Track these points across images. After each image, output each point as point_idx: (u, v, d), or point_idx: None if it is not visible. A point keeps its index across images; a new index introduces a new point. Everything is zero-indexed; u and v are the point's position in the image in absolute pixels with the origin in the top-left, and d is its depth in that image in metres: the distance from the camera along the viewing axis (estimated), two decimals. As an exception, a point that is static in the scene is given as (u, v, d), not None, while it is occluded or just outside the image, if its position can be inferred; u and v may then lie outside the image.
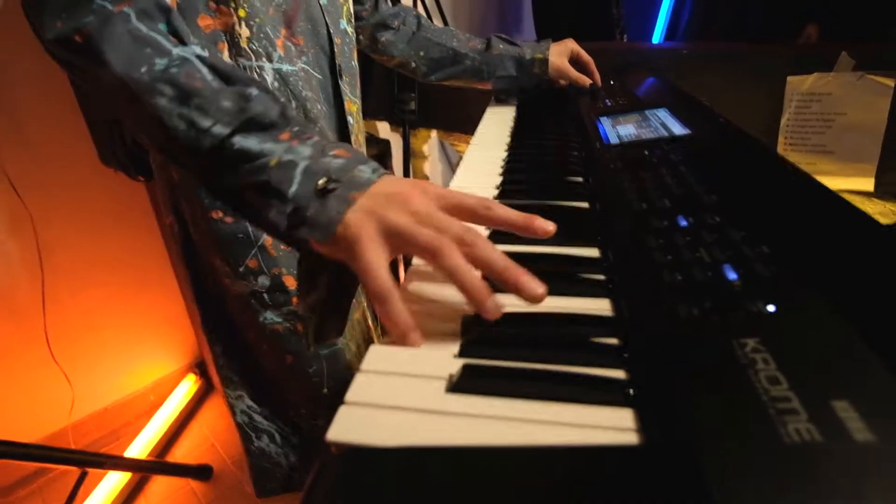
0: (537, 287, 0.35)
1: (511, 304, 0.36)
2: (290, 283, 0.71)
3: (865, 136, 1.05)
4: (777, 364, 0.26)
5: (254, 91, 0.44)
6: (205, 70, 0.43)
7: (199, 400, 1.71)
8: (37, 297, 1.35)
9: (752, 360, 0.26)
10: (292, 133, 0.43)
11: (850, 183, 1.08)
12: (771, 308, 0.30)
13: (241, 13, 0.59)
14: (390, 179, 0.41)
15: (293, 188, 0.40)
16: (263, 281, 0.69)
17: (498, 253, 0.37)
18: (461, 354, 0.33)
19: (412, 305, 0.38)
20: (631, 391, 0.29)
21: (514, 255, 0.45)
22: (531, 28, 2.46)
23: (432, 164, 1.83)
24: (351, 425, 0.28)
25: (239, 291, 0.70)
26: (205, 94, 0.42)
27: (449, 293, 0.40)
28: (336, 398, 0.75)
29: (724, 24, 2.60)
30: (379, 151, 1.59)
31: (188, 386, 1.69)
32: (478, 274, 0.36)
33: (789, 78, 1.10)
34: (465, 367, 0.31)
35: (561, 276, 0.41)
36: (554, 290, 0.39)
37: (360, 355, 0.82)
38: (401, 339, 0.35)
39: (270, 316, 0.71)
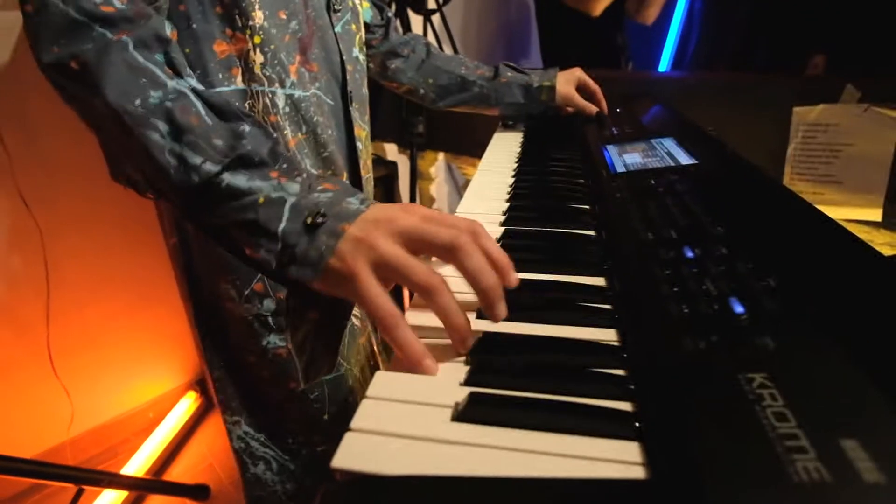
0: (502, 312, 0.37)
1: (516, 329, 0.36)
2: None
3: (872, 166, 1.05)
4: (785, 400, 0.26)
5: (246, 128, 0.44)
6: (199, 105, 0.44)
7: (199, 418, 1.70)
8: (41, 310, 1.36)
9: (759, 396, 0.26)
10: (281, 171, 0.43)
11: (858, 213, 1.09)
12: (778, 343, 0.30)
13: (257, 40, 0.60)
14: (378, 206, 0.41)
15: (282, 225, 0.40)
16: (269, 305, 0.69)
17: (487, 266, 0.37)
18: (467, 383, 0.33)
19: (418, 333, 0.38)
20: (638, 424, 0.29)
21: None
22: (538, 56, 2.51)
23: (438, 187, 1.84)
24: (356, 452, 0.28)
25: (242, 315, 0.70)
26: (197, 131, 0.42)
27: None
28: (337, 424, 0.75)
29: (731, 55, 2.63)
30: (387, 173, 1.61)
31: (188, 404, 1.68)
32: (464, 315, 0.36)
33: (796, 108, 1.11)
34: (471, 396, 0.31)
35: (567, 305, 0.41)
36: (561, 319, 0.39)
37: (365, 380, 0.81)
38: (414, 367, 0.35)
39: (273, 340, 0.71)
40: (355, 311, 0.81)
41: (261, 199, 0.41)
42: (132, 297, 1.54)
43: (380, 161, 1.67)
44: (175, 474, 1.52)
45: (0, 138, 1.21)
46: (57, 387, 1.40)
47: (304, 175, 0.43)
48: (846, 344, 0.29)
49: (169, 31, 0.48)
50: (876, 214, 1.08)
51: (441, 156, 1.72)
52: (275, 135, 0.45)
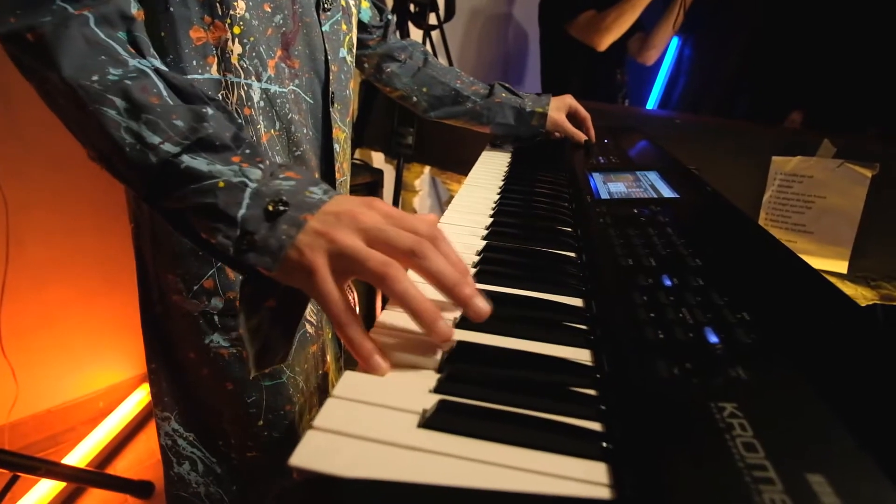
0: (483, 306, 0.36)
1: (490, 341, 0.36)
2: None
3: (842, 220, 1.09)
4: (754, 431, 0.26)
5: (209, 111, 0.43)
6: (161, 85, 0.42)
7: (151, 412, 1.64)
8: (-3, 285, 1.30)
9: (729, 425, 0.26)
10: (243, 156, 0.42)
11: (826, 264, 1.12)
12: (750, 375, 0.30)
13: (236, 30, 0.59)
14: (341, 198, 0.40)
15: (242, 211, 0.39)
16: (216, 303, 0.67)
17: (450, 266, 0.37)
18: (437, 390, 0.33)
19: (388, 338, 0.37)
20: (606, 445, 0.28)
21: (494, 296, 0.45)
22: (533, 80, 2.55)
23: (422, 199, 1.84)
24: (317, 451, 0.27)
25: (188, 310, 0.67)
26: (157, 110, 0.41)
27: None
28: (271, 432, 0.72)
29: (714, 101, 2.73)
30: (372, 180, 1.60)
31: (141, 396, 1.62)
32: (426, 298, 0.36)
33: (774, 158, 1.15)
34: (440, 404, 0.30)
35: (543, 322, 0.41)
36: (536, 335, 0.39)
37: (309, 390, 0.79)
38: (364, 365, 0.35)
39: (217, 339, 0.68)
40: (311, 318, 0.79)
41: (221, 184, 0.40)
42: (94, 281, 1.49)
43: (366, 168, 1.66)
44: (120, 468, 1.45)
45: (-24, 105, 1.17)
46: (3, 365, 1.34)
47: (267, 162, 0.42)
48: (815, 380, 0.29)
49: (135, 10, 0.47)
50: (842, 267, 1.12)
51: (427, 169, 1.72)
52: (239, 120, 0.45)
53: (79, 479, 1.31)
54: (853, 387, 0.30)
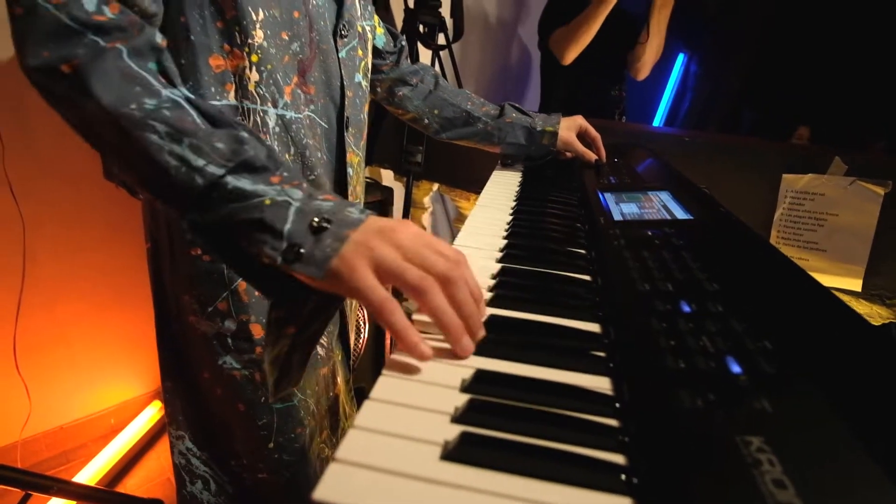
0: (468, 348, 0.39)
1: (509, 368, 0.36)
2: (257, 331, 0.69)
3: (856, 238, 1.08)
4: (783, 466, 0.25)
5: (245, 134, 0.45)
6: (194, 113, 0.44)
7: (162, 428, 1.64)
8: (12, 303, 1.31)
9: (757, 460, 0.26)
10: (283, 177, 0.44)
11: (840, 282, 1.11)
12: (776, 406, 0.30)
13: (254, 58, 0.60)
14: (379, 218, 0.43)
15: (288, 225, 0.41)
16: (230, 325, 0.68)
17: (471, 299, 0.41)
18: (457, 420, 0.33)
19: (407, 372, 0.38)
20: (629, 478, 0.28)
21: (512, 321, 0.45)
22: (532, 97, 2.58)
23: (430, 217, 1.85)
24: (340, 486, 0.27)
25: (203, 331, 0.68)
26: (199, 135, 0.43)
27: (446, 358, 0.39)
28: (282, 454, 0.72)
29: (721, 118, 2.74)
30: (382, 198, 1.61)
31: (152, 413, 1.62)
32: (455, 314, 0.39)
33: (785, 175, 1.15)
34: (462, 436, 0.30)
35: (562, 349, 0.41)
36: (555, 362, 0.39)
37: (320, 413, 0.79)
38: (409, 353, 0.38)
39: (230, 361, 0.69)
40: (322, 341, 0.79)
41: (267, 201, 0.42)
42: (107, 297, 1.50)
43: (376, 186, 1.67)
44: (130, 486, 1.45)
45: (-4, 127, 1.20)
46: (17, 383, 1.35)
47: (305, 184, 0.45)
48: (842, 411, 0.29)
49: (161, 40, 0.48)
50: (856, 285, 1.11)
51: (436, 186, 1.73)
52: (268, 142, 0.46)
53: (89, 498, 1.30)
54: (880, 416, 0.30)
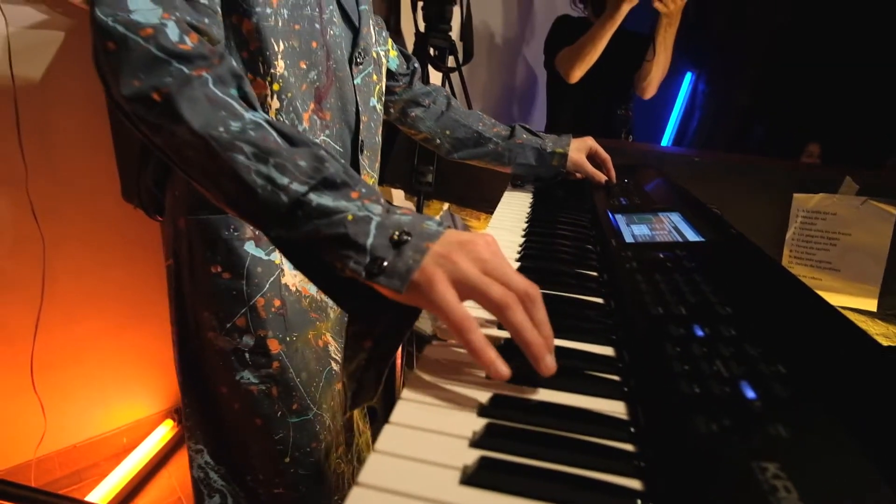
0: (552, 365, 0.39)
1: (527, 393, 0.36)
2: (274, 346, 0.71)
3: (869, 258, 1.08)
4: (799, 494, 0.26)
5: (323, 152, 0.47)
6: (275, 133, 0.46)
7: (173, 447, 1.64)
8: (31, 322, 1.34)
9: (773, 487, 0.26)
10: (361, 193, 0.45)
11: (854, 301, 1.10)
12: (791, 432, 0.30)
13: (276, 87, 0.63)
14: (456, 231, 0.44)
15: (370, 240, 0.42)
16: (248, 340, 0.70)
17: (548, 321, 0.41)
18: (475, 445, 0.33)
19: (425, 396, 0.38)
20: (646, 503, 0.29)
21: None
22: (539, 115, 2.60)
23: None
24: (363, 509, 0.28)
25: (221, 347, 0.70)
26: (281, 154, 0.45)
27: (464, 380, 0.40)
28: (297, 469, 0.73)
29: (730, 135, 2.74)
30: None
31: (164, 432, 1.63)
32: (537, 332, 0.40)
33: (796, 195, 1.15)
34: (481, 460, 0.31)
35: (577, 373, 0.41)
36: (570, 386, 0.40)
37: (336, 428, 0.80)
38: (488, 370, 0.38)
39: (248, 376, 0.71)
40: (337, 356, 0.81)
41: (349, 217, 0.43)
42: (123, 316, 1.52)
43: (387, 205, 1.69)
44: (140, 506, 1.46)
45: (20, 149, 1.23)
46: (33, 401, 1.36)
47: (383, 199, 0.46)
48: (858, 437, 0.29)
49: (240, 67, 0.51)
50: (871, 305, 1.10)
51: (446, 206, 1.75)
52: (342, 159, 0.48)
53: (101, 518, 1.31)
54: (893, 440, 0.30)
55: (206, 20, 0.51)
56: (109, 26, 0.45)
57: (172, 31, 0.46)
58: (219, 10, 0.55)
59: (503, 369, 0.38)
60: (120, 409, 1.59)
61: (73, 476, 1.51)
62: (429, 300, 0.40)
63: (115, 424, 1.59)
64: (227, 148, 0.44)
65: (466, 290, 0.40)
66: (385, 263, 0.41)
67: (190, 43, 0.47)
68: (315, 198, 0.44)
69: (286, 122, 0.64)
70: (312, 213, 0.44)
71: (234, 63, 0.50)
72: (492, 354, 0.38)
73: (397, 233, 0.42)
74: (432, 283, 0.40)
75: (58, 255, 1.36)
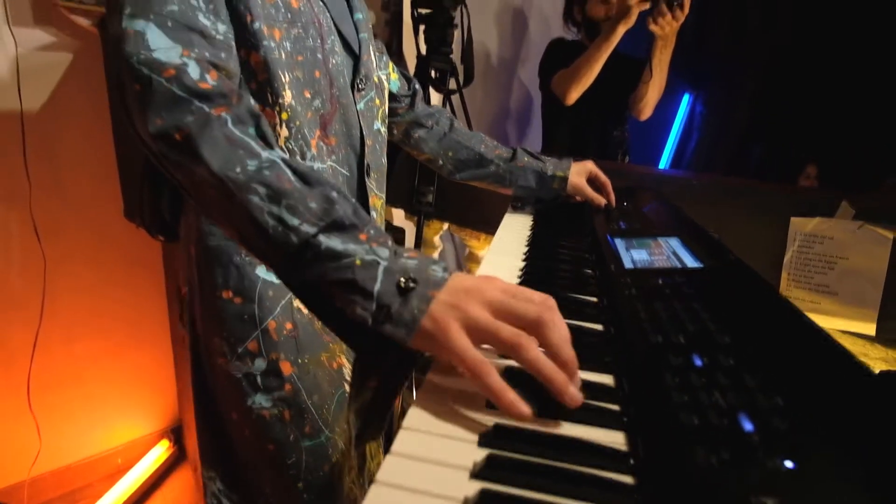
0: (577, 397, 0.39)
1: (528, 424, 0.37)
2: (286, 368, 0.71)
3: (867, 281, 1.08)
4: (798, 531, 0.26)
5: (334, 193, 0.47)
6: (289, 172, 0.47)
7: (169, 468, 1.63)
8: (29, 340, 1.33)
9: (772, 524, 0.26)
10: (369, 235, 0.46)
11: (853, 325, 1.11)
12: (789, 465, 0.30)
13: (284, 116, 0.64)
14: (461, 275, 0.45)
15: (377, 286, 0.43)
16: (259, 364, 0.69)
17: (566, 341, 0.41)
18: (477, 477, 0.33)
19: (426, 425, 0.38)
20: (647, 539, 0.29)
21: (527, 373, 0.46)
22: (535, 135, 2.63)
23: (440, 255, 1.87)
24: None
25: (232, 372, 0.70)
26: (295, 195, 0.46)
27: (465, 409, 0.40)
28: (311, 494, 0.73)
29: (728, 157, 2.77)
30: (393, 239, 1.64)
31: (159, 452, 1.62)
32: (554, 365, 0.40)
33: (793, 219, 1.16)
34: (481, 493, 0.31)
35: (577, 402, 0.42)
36: (569, 415, 0.40)
37: (348, 452, 0.80)
38: (508, 413, 0.38)
39: (259, 400, 0.70)
40: (349, 379, 0.80)
41: (357, 262, 0.44)
42: (122, 336, 1.52)
43: (388, 227, 1.70)
44: (134, 529, 1.44)
45: (26, 168, 1.24)
46: (29, 421, 1.36)
47: (390, 241, 0.47)
48: (856, 470, 0.30)
49: (257, 106, 0.52)
50: (870, 329, 1.10)
51: (446, 226, 1.76)
52: (353, 199, 0.49)
53: (95, 540, 1.30)
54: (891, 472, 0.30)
55: (223, 55, 0.53)
56: (135, 68, 0.46)
57: (193, 70, 0.48)
58: (233, 43, 0.56)
59: (524, 409, 0.38)
60: (116, 429, 1.58)
61: (66, 497, 1.49)
62: (445, 348, 0.41)
63: (111, 444, 1.57)
64: (243, 189, 0.45)
65: (478, 335, 0.41)
66: (392, 311, 0.42)
67: (210, 81, 0.48)
68: (324, 240, 0.44)
69: (295, 149, 0.66)
70: (321, 255, 0.44)
71: (252, 101, 0.51)
72: (511, 396, 0.38)
73: (403, 279, 0.43)
74: (447, 331, 0.40)
75: (59, 274, 1.36)
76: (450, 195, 1.65)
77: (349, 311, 0.43)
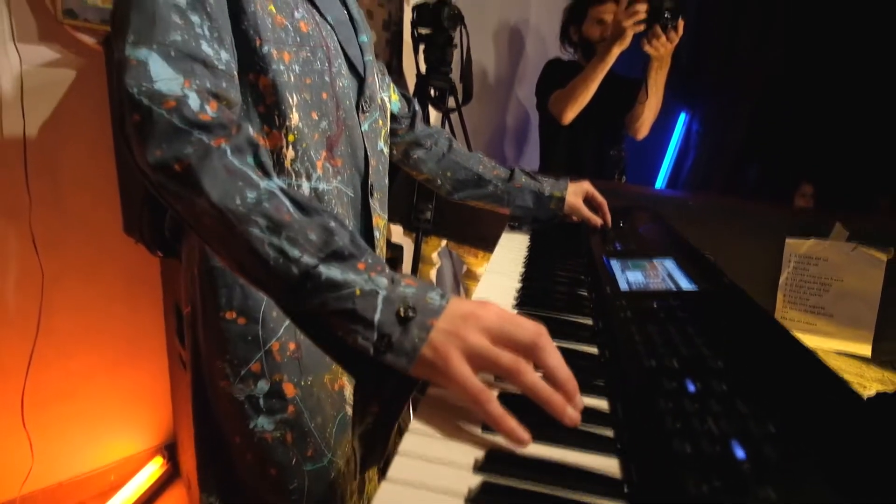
0: (575, 418, 0.40)
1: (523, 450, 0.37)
2: (289, 390, 0.70)
3: (862, 304, 1.09)
4: (788, 562, 0.26)
5: (333, 223, 0.48)
6: (288, 202, 0.48)
7: (162, 486, 1.61)
8: (24, 357, 1.33)
9: (763, 555, 0.27)
10: (367, 264, 0.47)
11: (848, 346, 1.11)
12: (780, 495, 0.31)
13: (290, 138, 0.65)
14: (458, 301, 0.45)
15: (377, 315, 0.43)
16: (262, 385, 0.69)
17: (562, 362, 0.42)
18: (473, 501, 0.33)
19: (421, 450, 0.39)
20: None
21: (520, 396, 0.46)
22: (531, 154, 2.65)
23: (438, 272, 1.88)
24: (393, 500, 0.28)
25: (235, 395, 0.70)
26: (293, 227, 0.46)
27: (460, 433, 0.40)
28: None
29: (724, 176, 2.79)
30: (392, 256, 1.64)
31: (153, 469, 1.60)
32: (551, 388, 0.41)
33: (788, 240, 1.17)
34: (476, 519, 0.31)
35: (570, 427, 0.42)
36: (563, 440, 0.40)
37: (349, 473, 0.80)
38: (508, 439, 0.39)
39: (262, 423, 0.70)
40: (350, 400, 0.80)
41: (357, 292, 0.44)
42: (117, 352, 1.51)
43: (388, 244, 1.71)
44: (126, 548, 1.42)
45: (27, 183, 1.25)
46: (22, 438, 1.34)
47: (387, 269, 0.47)
48: (847, 498, 0.30)
49: (255, 135, 0.53)
50: (865, 350, 1.10)
51: (444, 242, 1.77)
52: (350, 226, 0.49)
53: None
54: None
55: (224, 84, 0.54)
56: (136, 99, 0.47)
57: (194, 101, 0.48)
58: (235, 73, 0.57)
59: (524, 436, 0.38)
60: (109, 446, 1.57)
61: (58, 515, 1.47)
62: (445, 376, 0.41)
63: (104, 461, 1.56)
64: (244, 221, 0.46)
65: (479, 361, 0.42)
66: (393, 340, 0.42)
67: (210, 112, 0.49)
68: (324, 270, 0.45)
69: (301, 170, 0.67)
70: (321, 285, 0.45)
71: (251, 131, 0.52)
72: (511, 423, 0.39)
73: (403, 308, 0.43)
74: (447, 360, 0.41)
75: (56, 289, 1.36)
76: (448, 212, 1.66)
77: (350, 340, 0.44)
